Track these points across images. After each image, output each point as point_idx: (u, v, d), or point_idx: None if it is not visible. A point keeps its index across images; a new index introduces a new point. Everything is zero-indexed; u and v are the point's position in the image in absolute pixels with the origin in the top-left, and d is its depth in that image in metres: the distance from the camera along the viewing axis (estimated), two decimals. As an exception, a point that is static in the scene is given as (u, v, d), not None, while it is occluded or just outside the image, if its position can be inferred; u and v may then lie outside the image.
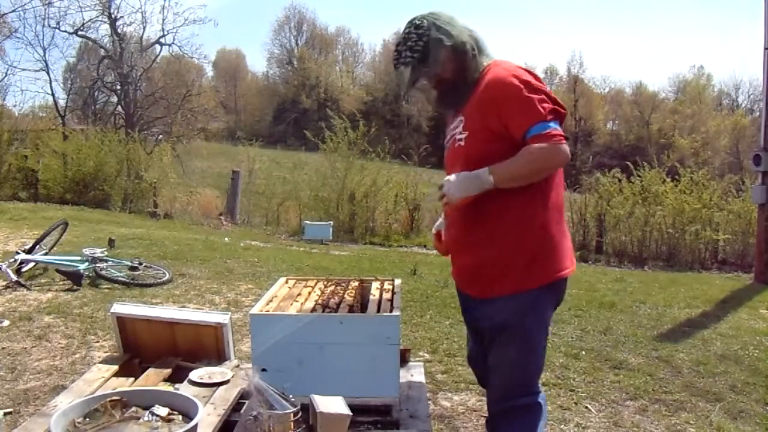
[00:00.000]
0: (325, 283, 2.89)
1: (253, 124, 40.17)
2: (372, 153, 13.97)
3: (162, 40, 23.51)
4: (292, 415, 1.93)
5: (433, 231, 2.30)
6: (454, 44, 1.99)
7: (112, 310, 2.97)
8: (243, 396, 2.60)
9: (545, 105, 1.90)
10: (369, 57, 46.97)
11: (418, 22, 2.02)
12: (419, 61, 2.00)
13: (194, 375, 2.65)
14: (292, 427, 1.93)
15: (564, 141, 1.90)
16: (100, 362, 2.96)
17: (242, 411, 2.28)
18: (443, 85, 2.06)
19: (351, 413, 2.01)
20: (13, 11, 19.71)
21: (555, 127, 1.89)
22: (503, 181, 1.92)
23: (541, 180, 1.98)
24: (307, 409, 2.01)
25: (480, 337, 2.14)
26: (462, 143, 2.02)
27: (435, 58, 1.99)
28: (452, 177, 1.97)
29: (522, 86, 1.91)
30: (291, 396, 1.99)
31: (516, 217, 1.97)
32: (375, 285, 2.85)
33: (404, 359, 2.95)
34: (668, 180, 11.90)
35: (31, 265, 5.62)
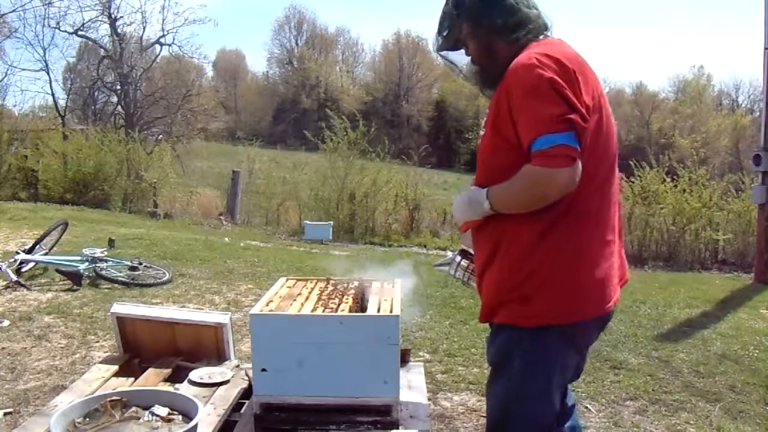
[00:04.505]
0: (325, 283, 2.89)
1: (253, 124, 40.11)
2: (372, 153, 13.98)
3: (162, 40, 23.55)
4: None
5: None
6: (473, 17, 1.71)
7: (112, 310, 2.97)
8: (243, 396, 2.60)
9: (559, 110, 1.50)
10: (369, 57, 47.03)
11: None
12: (438, 32, 1.79)
13: (194, 375, 2.66)
14: None
15: (568, 164, 1.50)
16: (100, 362, 2.97)
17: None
18: (476, 61, 1.78)
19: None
20: (13, 11, 19.73)
21: (562, 143, 1.49)
22: (501, 208, 1.63)
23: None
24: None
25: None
26: (479, 143, 1.75)
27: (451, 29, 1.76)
28: (456, 198, 1.76)
29: (539, 82, 1.52)
30: None
31: (512, 234, 1.65)
32: (375, 285, 2.85)
33: (404, 359, 2.95)
34: (668, 180, 11.90)
35: (31, 265, 5.63)
